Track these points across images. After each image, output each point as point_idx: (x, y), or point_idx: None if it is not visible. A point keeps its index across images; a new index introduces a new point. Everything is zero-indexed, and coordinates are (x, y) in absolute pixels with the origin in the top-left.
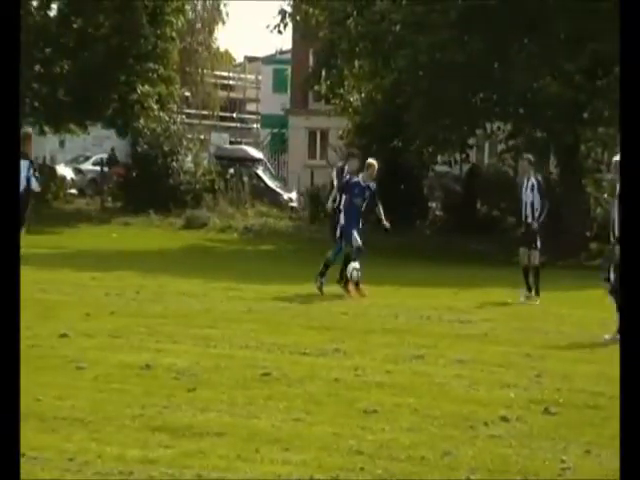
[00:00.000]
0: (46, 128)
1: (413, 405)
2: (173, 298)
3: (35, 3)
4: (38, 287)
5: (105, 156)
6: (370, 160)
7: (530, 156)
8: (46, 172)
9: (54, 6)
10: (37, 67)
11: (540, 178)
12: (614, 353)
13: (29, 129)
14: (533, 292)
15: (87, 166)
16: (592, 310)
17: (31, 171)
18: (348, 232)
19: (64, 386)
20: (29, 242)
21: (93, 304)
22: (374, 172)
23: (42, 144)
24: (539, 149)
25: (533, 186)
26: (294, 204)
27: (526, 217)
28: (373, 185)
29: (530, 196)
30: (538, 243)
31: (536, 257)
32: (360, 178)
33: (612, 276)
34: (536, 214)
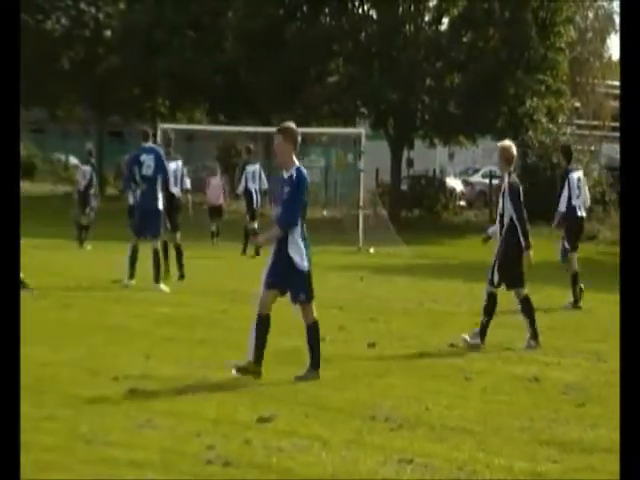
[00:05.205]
0: (436, 140)
1: None
2: (560, 310)
3: (427, 18)
4: (428, 297)
5: (494, 169)
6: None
7: None
8: (436, 184)
9: (445, 20)
10: (428, 81)
11: None
12: None
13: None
14: None
15: (476, 178)
16: None
17: (184, 170)
18: None
19: (453, 395)
20: (418, 253)
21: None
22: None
23: (432, 156)
24: None
25: None
26: None
27: None
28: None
29: None
30: None
31: None
32: None
33: None
34: None
